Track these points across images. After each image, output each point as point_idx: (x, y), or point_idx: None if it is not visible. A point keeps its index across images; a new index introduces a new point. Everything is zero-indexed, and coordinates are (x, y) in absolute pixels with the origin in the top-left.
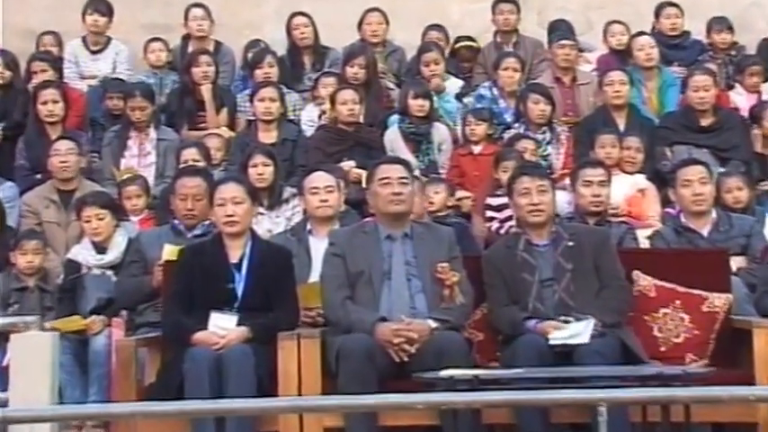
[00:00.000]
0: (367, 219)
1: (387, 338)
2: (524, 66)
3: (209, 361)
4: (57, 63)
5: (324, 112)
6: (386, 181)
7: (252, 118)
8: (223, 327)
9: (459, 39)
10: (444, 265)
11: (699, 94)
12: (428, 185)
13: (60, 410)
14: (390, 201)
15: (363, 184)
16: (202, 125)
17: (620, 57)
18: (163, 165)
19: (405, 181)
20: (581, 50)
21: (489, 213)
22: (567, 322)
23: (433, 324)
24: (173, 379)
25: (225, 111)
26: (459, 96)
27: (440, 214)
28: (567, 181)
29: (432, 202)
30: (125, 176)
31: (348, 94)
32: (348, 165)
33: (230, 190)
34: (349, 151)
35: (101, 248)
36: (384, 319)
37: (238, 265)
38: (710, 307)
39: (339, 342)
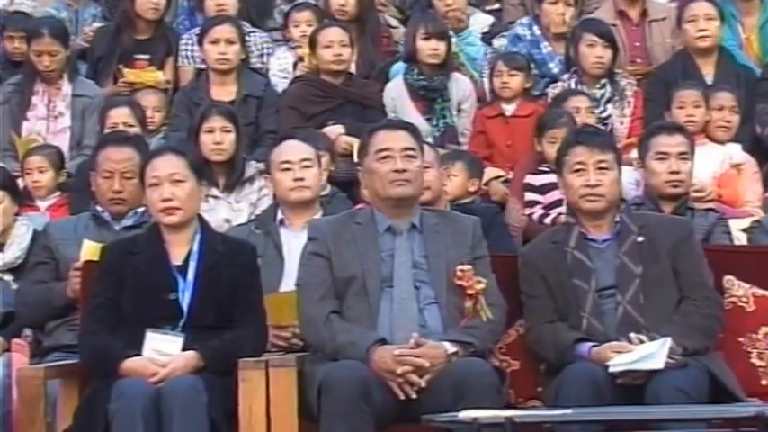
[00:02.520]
0: (360, 205)
1: (387, 367)
2: None
3: (144, 398)
4: None
5: (301, 59)
6: (385, 153)
7: (202, 67)
8: (164, 351)
9: None
10: (466, 267)
11: None
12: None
13: None
14: (392, 181)
15: (355, 158)
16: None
17: None
18: (80, 130)
19: (411, 153)
20: None
21: (530, 196)
22: (640, 341)
23: (451, 348)
24: (95, 422)
25: (170, 61)
26: (486, 38)
27: (461, 202)
28: (635, 153)
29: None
30: (31, 146)
31: (334, 34)
32: (335, 131)
33: (167, 165)
34: (336, 112)
35: None
36: (384, 342)
37: (183, 268)
38: None
39: (322, 372)
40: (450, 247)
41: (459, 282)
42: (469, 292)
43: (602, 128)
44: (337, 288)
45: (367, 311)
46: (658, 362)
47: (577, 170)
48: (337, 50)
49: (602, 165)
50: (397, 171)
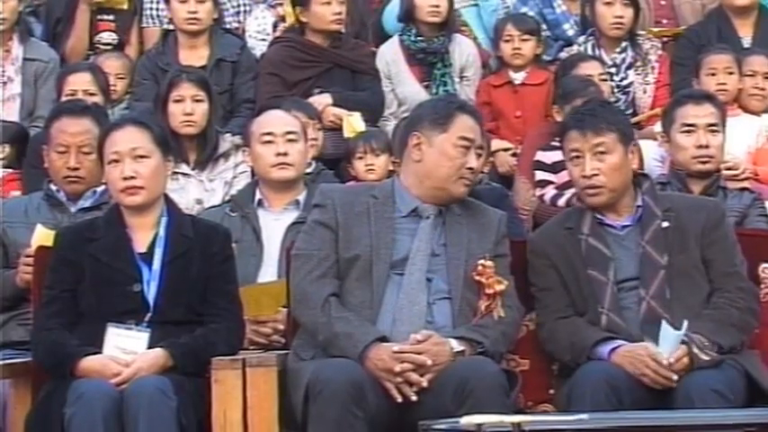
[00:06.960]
0: (350, 183)
1: (385, 365)
2: None
3: (105, 401)
4: None
5: (282, 19)
6: (468, 144)
7: (169, 27)
8: (127, 349)
9: None
10: (489, 263)
11: None
12: None
13: None
14: (461, 176)
15: (345, 132)
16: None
17: None
18: (33, 98)
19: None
20: None
21: (541, 175)
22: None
23: (457, 346)
24: (50, 428)
25: (135, 21)
26: None
27: None
28: (659, 127)
29: None
30: None
31: None
32: (321, 101)
33: (128, 138)
34: (323, 78)
35: None
36: (384, 340)
37: (148, 256)
38: None
39: (309, 373)
40: (473, 239)
41: (478, 277)
42: (488, 291)
43: (622, 97)
44: (340, 267)
45: (369, 299)
46: (663, 349)
47: (573, 158)
48: (337, 8)
49: (599, 149)
50: (472, 170)
